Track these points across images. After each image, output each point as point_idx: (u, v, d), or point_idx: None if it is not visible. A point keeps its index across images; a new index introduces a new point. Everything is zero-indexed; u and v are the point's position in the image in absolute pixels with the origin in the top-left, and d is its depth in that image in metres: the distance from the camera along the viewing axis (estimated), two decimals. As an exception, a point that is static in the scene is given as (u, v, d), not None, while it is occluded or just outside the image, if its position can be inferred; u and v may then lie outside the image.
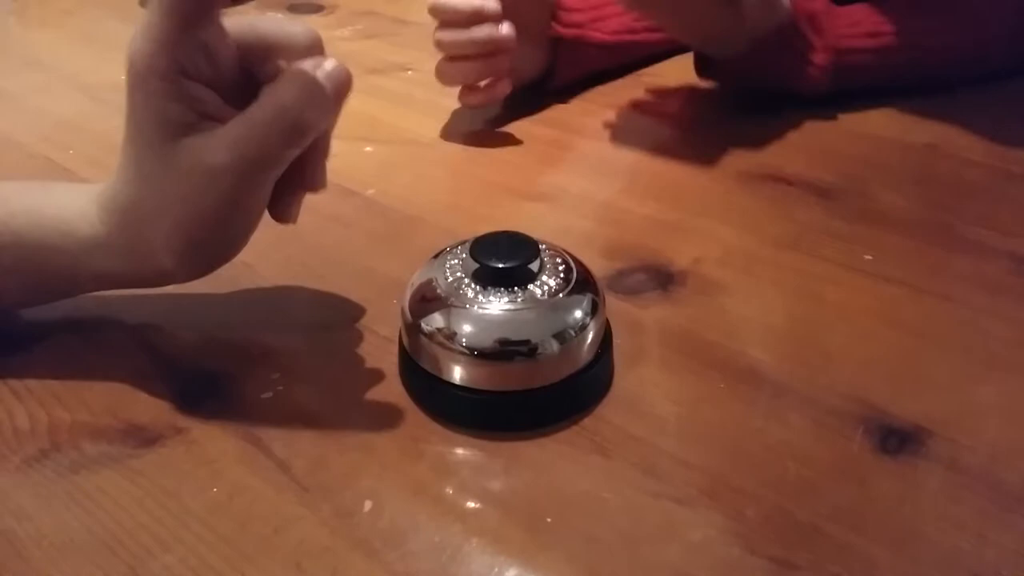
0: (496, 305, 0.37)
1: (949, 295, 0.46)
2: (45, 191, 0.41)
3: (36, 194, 0.40)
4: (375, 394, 0.39)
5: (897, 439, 0.37)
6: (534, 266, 0.38)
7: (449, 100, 0.72)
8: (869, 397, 0.39)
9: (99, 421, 0.38)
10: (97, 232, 0.38)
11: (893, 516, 0.33)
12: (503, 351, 0.36)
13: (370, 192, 0.57)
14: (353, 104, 0.72)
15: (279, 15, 0.37)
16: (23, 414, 0.38)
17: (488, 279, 0.37)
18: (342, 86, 0.37)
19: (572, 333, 0.37)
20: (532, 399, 0.37)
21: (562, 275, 0.38)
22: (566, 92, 0.72)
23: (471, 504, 0.34)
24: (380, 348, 0.42)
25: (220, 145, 0.35)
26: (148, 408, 0.38)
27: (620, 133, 0.66)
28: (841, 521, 0.33)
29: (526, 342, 0.36)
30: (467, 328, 0.36)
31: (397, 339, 0.41)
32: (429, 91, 0.74)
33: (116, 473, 0.35)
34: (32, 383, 0.40)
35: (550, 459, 0.36)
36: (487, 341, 0.36)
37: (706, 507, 0.34)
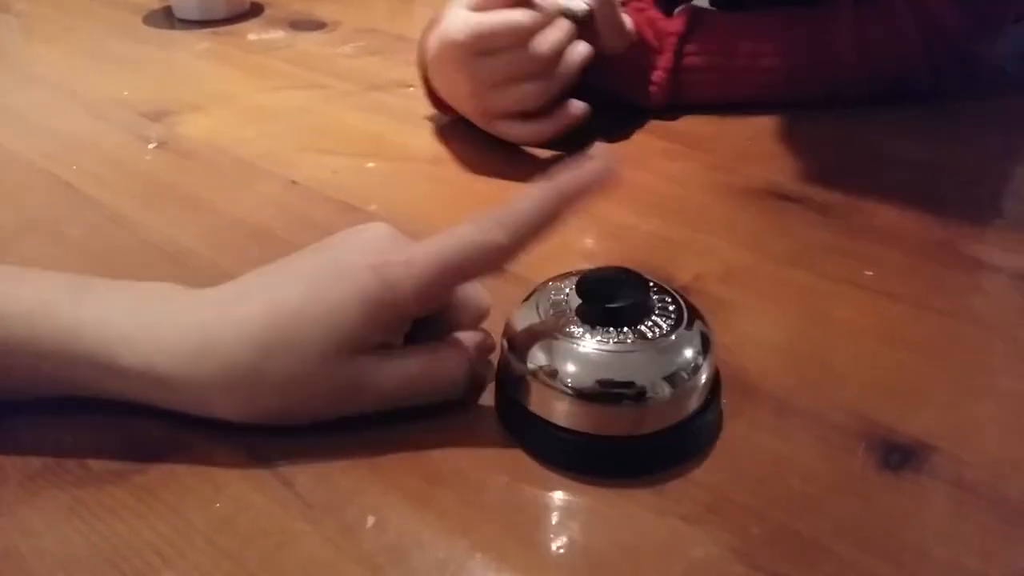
0: (603, 345, 0.35)
1: (950, 311, 0.47)
2: (79, 301, 0.36)
3: (68, 306, 0.36)
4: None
5: (900, 455, 0.37)
6: (644, 304, 0.37)
7: (451, 117, 0.73)
8: (871, 413, 0.39)
9: (103, 437, 0.38)
10: (152, 364, 0.35)
11: (897, 533, 0.33)
12: (607, 393, 0.35)
13: (372, 208, 0.58)
14: (355, 121, 0.73)
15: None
16: (27, 429, 0.38)
17: (595, 317, 0.36)
18: (484, 360, 0.40)
19: (685, 376, 0.36)
20: (639, 445, 0.36)
21: (672, 315, 0.37)
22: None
23: (475, 520, 0.34)
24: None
25: (388, 379, 0.36)
26: (152, 423, 0.38)
27: (619, 150, 0.66)
28: (845, 538, 0.33)
29: (631, 384, 0.35)
30: (571, 367, 0.35)
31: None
32: (431, 108, 0.74)
33: (120, 488, 0.35)
34: (36, 399, 0.39)
35: (552, 475, 0.36)
36: (589, 381, 0.35)
37: (710, 524, 0.34)
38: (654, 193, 0.60)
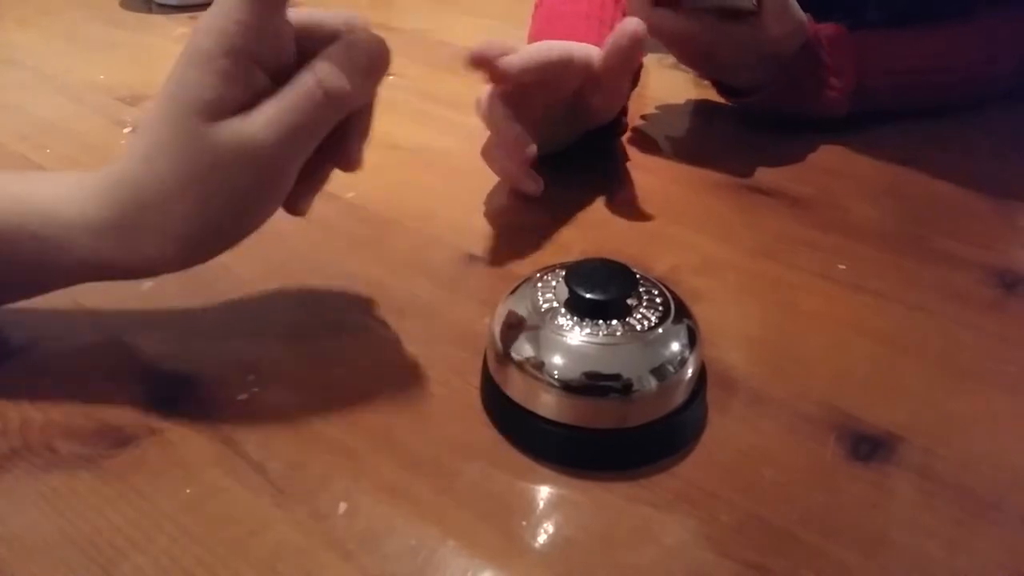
0: (590, 337, 0.35)
1: (920, 305, 0.47)
2: (24, 178, 0.39)
3: (14, 182, 0.39)
4: (350, 397, 0.39)
5: (869, 446, 0.37)
6: (631, 298, 0.37)
7: (431, 106, 0.73)
8: (841, 404, 0.39)
9: (72, 421, 0.37)
10: (87, 215, 0.36)
11: (865, 522, 0.34)
12: (593, 385, 0.35)
13: (350, 195, 0.57)
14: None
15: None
16: (-6, 413, 0.38)
17: (583, 309, 0.36)
18: (377, 56, 0.38)
19: (671, 369, 0.36)
20: (625, 438, 0.36)
21: (660, 307, 0.37)
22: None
23: (448, 507, 0.34)
24: (356, 352, 0.42)
25: (259, 121, 0.35)
26: (122, 408, 0.38)
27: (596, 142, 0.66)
28: (813, 526, 0.33)
29: (617, 377, 0.35)
30: (558, 360, 0.35)
31: (371, 344, 0.41)
32: (412, 96, 0.74)
33: (89, 473, 0.35)
34: (4, 382, 0.39)
35: (526, 463, 0.36)
36: (576, 374, 0.35)
37: (681, 512, 0.34)
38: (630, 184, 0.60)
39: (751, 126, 0.68)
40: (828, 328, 0.45)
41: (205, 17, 0.35)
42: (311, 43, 0.38)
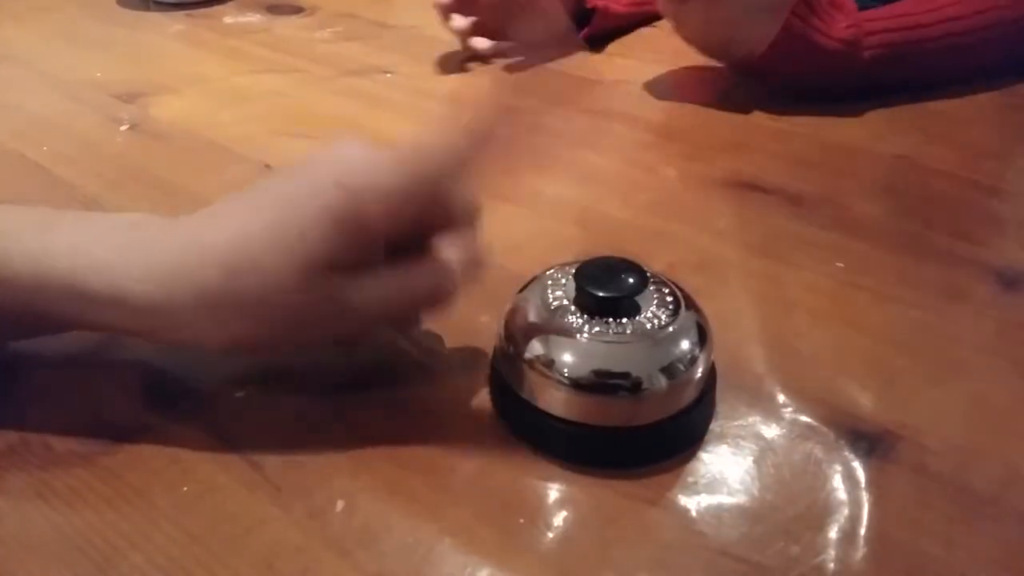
0: (600, 335, 0.35)
1: (918, 302, 0.47)
2: (48, 229, 0.36)
3: (37, 233, 0.36)
4: (349, 394, 0.39)
5: (867, 443, 0.37)
6: (642, 296, 0.37)
7: (427, 103, 0.73)
8: (839, 402, 0.39)
9: (68, 418, 0.37)
10: (123, 290, 0.34)
11: (861, 519, 0.34)
12: (603, 384, 0.35)
13: (347, 193, 0.57)
14: (331, 106, 0.73)
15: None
16: (-9, 411, 0.37)
17: (593, 307, 0.36)
18: (471, 273, 0.38)
19: (681, 367, 0.35)
20: (634, 437, 0.36)
21: (670, 305, 0.37)
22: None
23: (446, 504, 0.34)
24: (357, 348, 0.42)
25: (358, 294, 0.35)
26: (118, 405, 0.38)
27: (595, 138, 0.66)
28: (811, 524, 0.33)
29: (627, 375, 0.35)
30: (568, 358, 0.35)
31: (374, 341, 0.41)
32: (408, 94, 0.74)
33: (85, 471, 0.35)
34: (1, 381, 0.39)
35: (522, 460, 0.36)
36: (585, 372, 0.35)
37: (679, 508, 0.34)
38: (629, 182, 0.60)
39: (751, 124, 0.68)
40: (826, 326, 0.45)
41: (347, 168, 0.35)
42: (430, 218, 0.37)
